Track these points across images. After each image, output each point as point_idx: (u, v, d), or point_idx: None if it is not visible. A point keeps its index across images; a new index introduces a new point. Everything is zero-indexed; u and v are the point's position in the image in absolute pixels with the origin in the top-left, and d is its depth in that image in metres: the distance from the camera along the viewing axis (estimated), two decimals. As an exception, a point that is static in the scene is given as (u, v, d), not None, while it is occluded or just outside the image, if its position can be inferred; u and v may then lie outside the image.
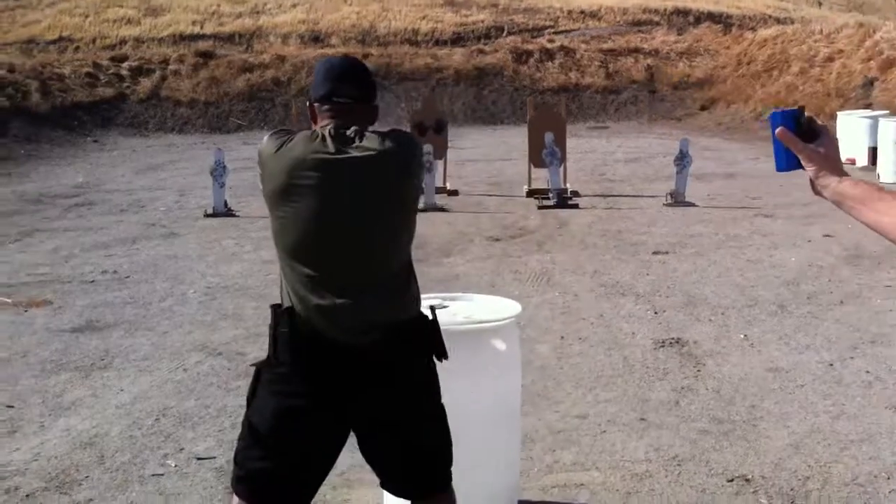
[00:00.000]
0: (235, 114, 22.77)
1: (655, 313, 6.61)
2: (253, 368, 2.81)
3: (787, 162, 1.92)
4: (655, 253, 8.55)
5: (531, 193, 11.76)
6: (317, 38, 25.49)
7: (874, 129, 12.98)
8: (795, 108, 1.95)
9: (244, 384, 5.31)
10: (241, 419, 4.71)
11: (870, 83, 16.97)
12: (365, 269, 2.66)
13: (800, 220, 9.71)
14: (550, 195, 11.16)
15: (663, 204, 10.94)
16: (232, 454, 4.29)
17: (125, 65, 23.21)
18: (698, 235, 9.26)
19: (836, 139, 1.92)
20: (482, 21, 25.80)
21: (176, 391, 5.29)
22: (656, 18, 25.47)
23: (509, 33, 25.25)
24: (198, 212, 11.42)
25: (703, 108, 20.88)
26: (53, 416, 4.94)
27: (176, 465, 4.30)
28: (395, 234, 2.72)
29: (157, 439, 4.61)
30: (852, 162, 13.75)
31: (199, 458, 4.37)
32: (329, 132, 2.64)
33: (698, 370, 5.42)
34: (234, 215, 11.24)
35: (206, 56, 24.00)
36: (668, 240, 9.10)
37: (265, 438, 2.73)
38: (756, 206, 10.72)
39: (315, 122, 2.73)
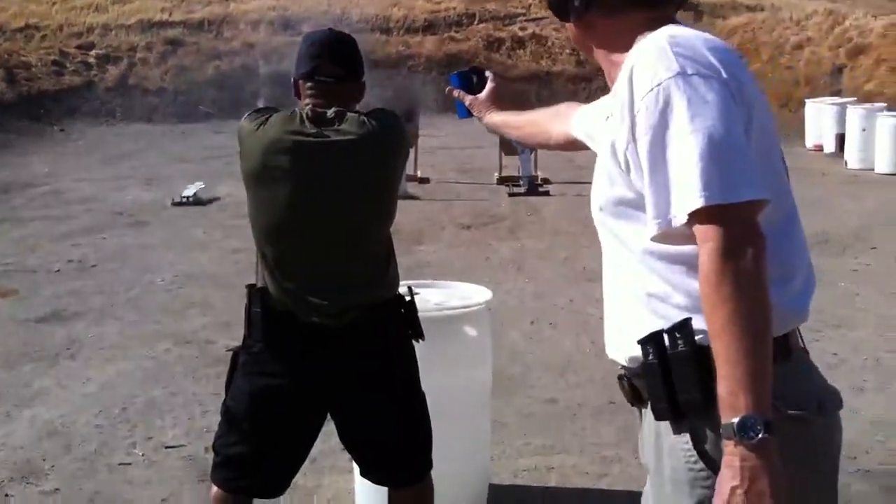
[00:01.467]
0: (205, 102, 22.58)
1: (626, 298, 6.63)
2: (230, 356, 2.79)
3: (462, 111, 2.55)
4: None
5: (502, 181, 11.76)
6: (287, 25, 25.25)
7: (841, 117, 13.10)
8: (468, 68, 2.60)
9: (213, 372, 5.31)
10: (210, 408, 4.74)
11: (838, 70, 17.10)
12: (339, 252, 2.64)
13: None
14: (521, 182, 11.18)
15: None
16: (201, 443, 4.33)
17: (92, 53, 22.92)
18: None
19: (499, 85, 2.50)
20: (454, 8, 25.69)
21: (143, 380, 5.23)
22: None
23: (481, 21, 25.19)
24: (165, 200, 11.31)
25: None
26: (19, 406, 4.87)
27: (143, 454, 4.26)
28: (371, 218, 2.69)
29: (124, 428, 4.56)
30: (819, 148, 13.88)
31: (167, 447, 4.32)
32: (307, 113, 2.61)
33: (668, 354, 5.43)
34: (202, 203, 11.14)
35: (175, 43, 23.76)
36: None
37: (240, 422, 2.72)
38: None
39: (299, 99, 2.68)
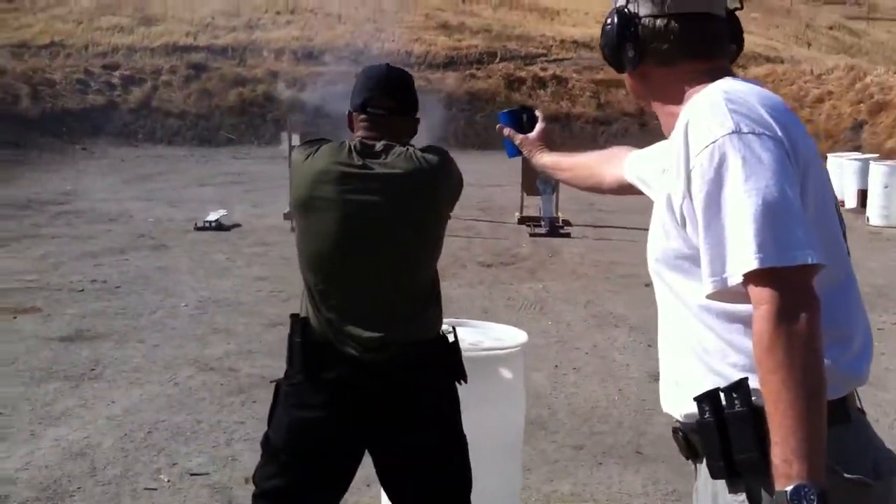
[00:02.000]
0: (226, 127, 22.75)
1: (649, 346, 6.61)
2: (273, 388, 2.79)
3: (512, 150, 2.62)
4: (648, 285, 8.52)
5: (523, 220, 11.78)
6: (310, 55, 25.50)
7: (864, 172, 13.11)
8: (518, 107, 2.68)
9: (238, 401, 5.32)
10: (235, 436, 4.74)
11: (859, 126, 17.15)
12: (380, 286, 2.63)
13: (790, 259, 9.76)
14: (542, 223, 11.19)
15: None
16: (226, 471, 4.32)
17: (117, 73, 23.18)
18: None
19: (549, 126, 2.61)
20: (475, 46, 25.92)
21: (168, 405, 5.23)
22: (647, 51, 25.67)
23: (502, 59, 25.38)
24: (187, 224, 11.37)
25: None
26: (43, 424, 4.88)
27: (169, 480, 4.25)
28: (414, 254, 2.67)
29: (149, 453, 4.55)
30: (841, 203, 13.87)
31: (192, 474, 4.32)
32: (355, 145, 2.63)
33: (693, 405, 5.41)
34: (224, 229, 11.19)
35: (199, 68, 23.99)
36: (660, 273, 9.11)
37: (279, 454, 2.71)
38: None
39: (352, 132, 2.71)
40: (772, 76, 21.96)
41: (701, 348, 1.65)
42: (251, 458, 4.48)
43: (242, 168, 18.00)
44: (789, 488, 1.41)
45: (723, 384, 1.59)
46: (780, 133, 1.56)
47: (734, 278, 1.51)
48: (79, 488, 4.14)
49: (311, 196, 2.63)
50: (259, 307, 7.57)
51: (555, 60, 25.14)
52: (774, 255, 1.47)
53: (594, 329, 7.04)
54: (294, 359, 2.70)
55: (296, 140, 12.75)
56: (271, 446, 2.73)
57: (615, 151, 2.37)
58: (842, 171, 13.93)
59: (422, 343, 2.67)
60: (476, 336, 3.64)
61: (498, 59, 25.35)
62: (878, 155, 14.47)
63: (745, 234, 1.48)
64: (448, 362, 2.74)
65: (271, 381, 2.83)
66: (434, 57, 25.50)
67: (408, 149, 2.64)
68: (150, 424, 4.91)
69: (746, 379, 1.56)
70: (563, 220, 11.56)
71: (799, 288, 1.48)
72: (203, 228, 11.10)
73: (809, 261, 1.48)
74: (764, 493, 1.55)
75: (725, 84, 1.67)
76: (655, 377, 5.74)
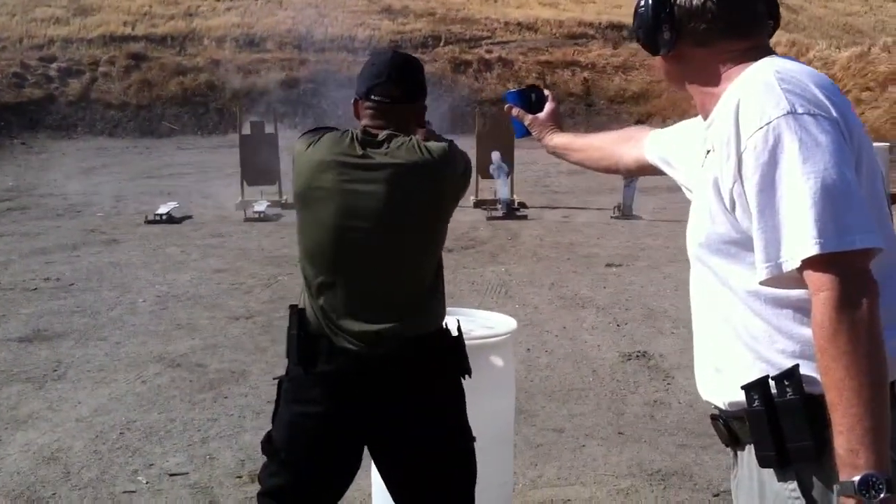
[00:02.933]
0: (168, 118, 22.37)
1: (618, 326, 6.63)
2: (276, 385, 2.72)
3: (520, 130, 2.54)
4: (609, 265, 8.59)
5: (478, 204, 11.75)
6: (252, 42, 25.19)
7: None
8: (525, 87, 2.58)
9: (208, 397, 5.21)
10: (210, 434, 4.64)
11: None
12: (377, 278, 2.56)
13: (746, 235, 9.88)
14: (499, 206, 11.17)
15: (611, 217, 11.03)
16: (206, 470, 4.23)
17: (54, 65, 22.65)
18: (649, 248, 9.35)
19: (558, 106, 2.52)
20: (419, 30, 25.82)
21: (138, 404, 5.10)
22: (591, 32, 25.80)
23: (447, 43, 25.29)
24: (137, 217, 11.14)
25: (638, 122, 21.12)
26: (10, 429, 4.72)
27: (147, 482, 4.13)
28: (414, 246, 2.60)
29: (123, 454, 4.42)
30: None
31: (171, 475, 4.20)
32: (356, 135, 2.56)
33: (668, 384, 5.43)
34: (176, 221, 10.99)
35: (138, 58, 23.54)
36: (620, 252, 9.16)
37: (280, 451, 2.65)
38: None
39: (358, 120, 2.64)
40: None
41: (748, 335, 1.61)
42: (228, 455, 4.40)
43: (188, 158, 17.71)
44: (857, 478, 1.38)
45: (771, 371, 1.56)
46: (835, 114, 1.52)
47: (790, 263, 1.47)
48: (54, 494, 4.00)
49: (311, 186, 2.56)
50: (220, 300, 7.44)
51: (500, 43, 25.13)
52: (835, 240, 1.43)
53: (562, 311, 7.03)
54: (291, 351, 2.64)
55: (246, 129, 12.57)
56: (272, 444, 2.67)
57: (631, 132, 2.32)
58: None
59: (422, 337, 2.60)
60: (465, 324, 3.58)
61: (443, 43, 25.27)
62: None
63: (804, 219, 1.44)
64: (450, 356, 2.68)
65: (274, 378, 2.76)
66: (378, 41, 25.31)
67: (411, 139, 2.57)
68: (122, 425, 4.78)
69: (798, 366, 1.53)
70: (518, 203, 11.55)
71: (859, 273, 1.44)
72: (154, 221, 10.89)
73: (869, 245, 1.45)
74: (816, 481, 1.53)
75: (776, 63, 1.63)
76: (628, 357, 5.76)
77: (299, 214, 2.63)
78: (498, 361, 3.50)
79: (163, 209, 11.08)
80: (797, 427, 1.52)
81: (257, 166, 11.93)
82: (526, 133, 2.52)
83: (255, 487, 4.05)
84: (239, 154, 12.19)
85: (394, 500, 2.74)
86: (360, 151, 2.54)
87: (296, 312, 2.63)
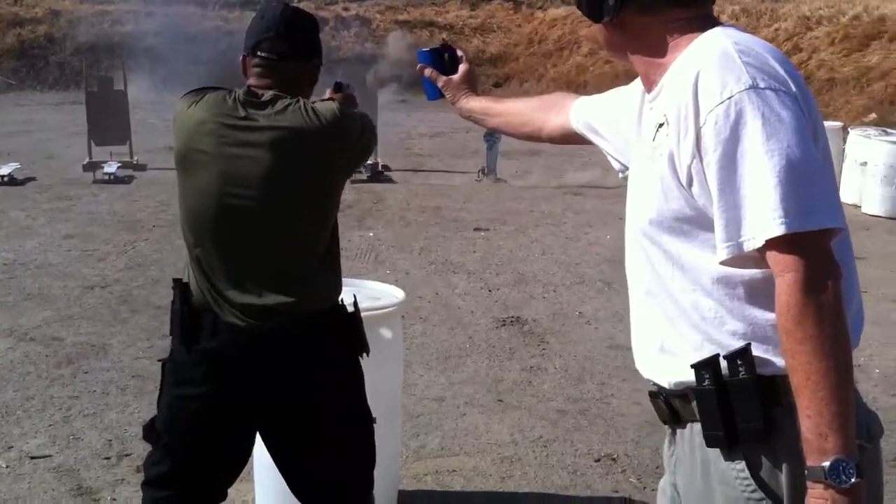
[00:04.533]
0: (5, 72, 21.01)
1: (490, 291, 6.63)
2: (160, 367, 2.55)
3: (433, 92, 2.40)
4: (477, 230, 8.59)
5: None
6: (94, -7, 23.87)
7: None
8: (439, 45, 2.43)
9: (67, 372, 4.91)
10: (72, 412, 4.37)
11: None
12: (262, 250, 2.42)
13: (608, 199, 10.02)
14: (362, 169, 10.98)
15: (475, 180, 11.04)
16: (70, 452, 3.98)
17: None
18: (515, 213, 9.40)
19: (473, 67, 2.40)
20: (273, -15, 25.08)
21: (-11, 382, 4.75)
22: (449, -8, 25.69)
23: (288, 1, 24.68)
24: (-25, 180, 10.40)
25: (496, 86, 21.27)
26: None
27: (8, 466, 3.86)
28: (301, 216, 2.44)
29: (-23, 438, 4.11)
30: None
31: (32, 457, 3.94)
32: (238, 95, 2.40)
33: (543, 349, 5.47)
34: (18, 183, 10.32)
35: (-30, 7, 21.98)
36: (487, 216, 9.18)
37: (162, 437, 2.51)
38: (564, 185, 11.01)
39: (245, 77, 2.47)
40: (571, 17, 22.43)
41: (698, 315, 1.57)
42: (94, 435, 4.16)
43: (28, 115, 16.68)
44: (826, 464, 1.36)
45: (721, 351, 1.53)
46: (794, 88, 1.48)
47: (753, 243, 1.43)
48: None
49: (190, 149, 2.41)
50: (72, 268, 7.03)
51: (356, 0, 24.71)
52: (800, 220, 1.39)
53: (433, 276, 6.98)
54: (174, 328, 2.49)
55: (93, 85, 11.91)
56: (155, 430, 2.53)
57: (555, 98, 2.23)
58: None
59: (314, 313, 2.46)
60: (348, 295, 3.46)
61: (283, 2, 24.63)
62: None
63: (768, 198, 1.40)
64: (346, 334, 2.55)
65: (158, 360, 2.58)
66: (229, -4, 24.47)
67: (299, 101, 2.41)
68: (-27, 405, 4.45)
69: (750, 345, 1.50)
70: (382, 166, 11.39)
71: (824, 254, 1.41)
72: (-6, 183, 10.19)
73: (833, 224, 1.42)
74: (764, 461, 1.52)
75: (732, 34, 1.57)
76: (502, 322, 5.76)
77: (179, 179, 2.46)
78: (387, 334, 3.42)
79: (4, 170, 10.37)
80: (748, 407, 1.50)
81: (106, 125, 11.32)
82: (439, 95, 2.40)
83: (125, 468, 3.90)
84: (86, 112, 11.53)
85: (289, 488, 2.62)
86: (242, 113, 2.37)
87: (178, 286, 2.48)
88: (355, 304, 2.60)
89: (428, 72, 2.37)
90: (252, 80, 2.44)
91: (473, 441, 4.24)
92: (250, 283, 2.39)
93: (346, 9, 23.94)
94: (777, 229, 1.39)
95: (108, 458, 3.95)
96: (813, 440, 1.38)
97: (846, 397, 1.39)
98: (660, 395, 1.69)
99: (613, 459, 4.07)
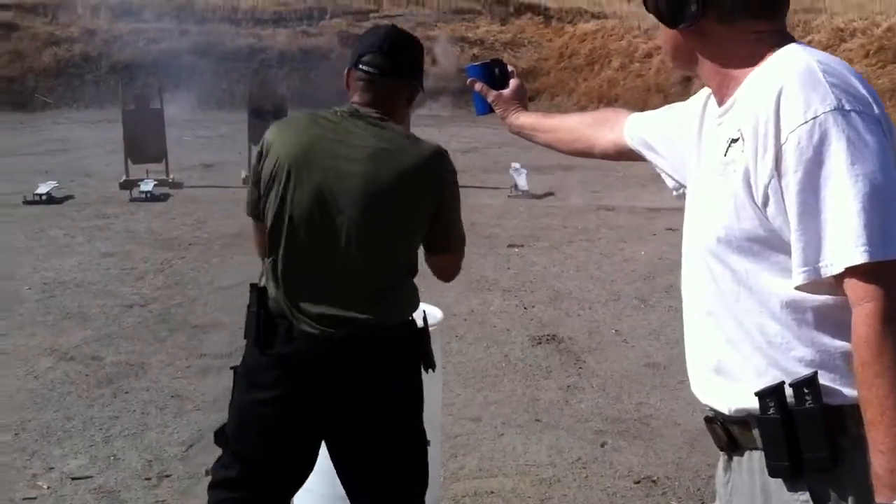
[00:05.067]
0: (41, 91, 21.32)
1: (525, 308, 6.62)
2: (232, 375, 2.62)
3: (482, 107, 2.41)
4: (511, 246, 8.59)
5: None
6: (129, 12, 24.16)
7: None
8: (489, 60, 2.45)
9: (107, 392, 4.95)
10: (112, 433, 4.41)
11: (688, 79, 17.77)
12: (344, 263, 2.42)
13: (642, 214, 10.02)
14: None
15: (508, 196, 11.03)
16: (111, 473, 4.01)
17: (-85, 34, 21.25)
18: (548, 228, 9.38)
19: (523, 83, 2.42)
20: (304, 2, 25.26)
21: (31, 401, 4.81)
22: (478, 7, 25.72)
23: (333, 16, 24.85)
24: (14, 198, 10.54)
25: (530, 99, 21.26)
26: None
27: (49, 487, 3.89)
28: (389, 236, 2.46)
29: (20, 457, 4.16)
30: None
31: (73, 479, 3.97)
32: (344, 111, 2.47)
33: (580, 367, 5.44)
34: (56, 202, 10.46)
35: (8, 28, 22.33)
36: (521, 232, 9.17)
37: (232, 441, 2.57)
38: (598, 200, 10.99)
39: (347, 90, 2.53)
40: (601, 32, 22.50)
41: (763, 339, 1.54)
42: (134, 456, 4.19)
43: (65, 134, 16.89)
44: None
45: (786, 378, 1.50)
46: (876, 111, 1.46)
47: (831, 269, 1.40)
48: (-55, 506, 3.73)
49: (292, 161, 2.43)
50: (111, 287, 7.10)
51: (387, 16, 24.81)
52: (883, 249, 1.36)
53: (468, 293, 6.97)
54: (249, 330, 2.54)
55: (130, 103, 12.03)
56: (226, 434, 2.59)
57: (607, 114, 2.21)
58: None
59: (385, 326, 2.47)
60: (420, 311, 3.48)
61: (329, 16, 24.81)
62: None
63: (850, 224, 1.37)
64: (414, 348, 2.57)
65: (230, 368, 2.64)
66: (261, 13, 24.70)
67: (409, 138, 2.48)
68: (16, 425, 4.49)
69: (817, 374, 1.48)
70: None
71: None
72: (33, 202, 10.32)
73: None
74: (830, 493, 1.49)
75: (813, 52, 1.54)
76: (538, 340, 5.73)
77: (272, 190, 2.47)
78: (426, 356, 3.40)
79: (42, 189, 10.51)
80: (815, 437, 1.47)
81: (142, 143, 11.44)
82: (488, 110, 2.40)
83: (165, 489, 3.92)
84: (122, 130, 11.66)
85: (348, 497, 2.63)
86: (346, 126, 2.44)
87: (255, 290, 2.54)
88: (425, 319, 2.62)
89: (478, 86, 2.38)
90: (354, 96, 2.50)
91: (511, 462, 4.22)
92: (328, 293, 2.43)
93: (377, 26, 24.03)
94: (859, 257, 1.37)
95: (148, 479, 3.98)
96: (884, 476, 1.35)
97: None
98: (716, 421, 1.66)
99: (654, 482, 4.04)
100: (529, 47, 23.45)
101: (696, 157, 1.74)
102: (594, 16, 25.49)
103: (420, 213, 2.47)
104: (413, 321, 2.57)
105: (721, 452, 1.70)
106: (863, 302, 1.38)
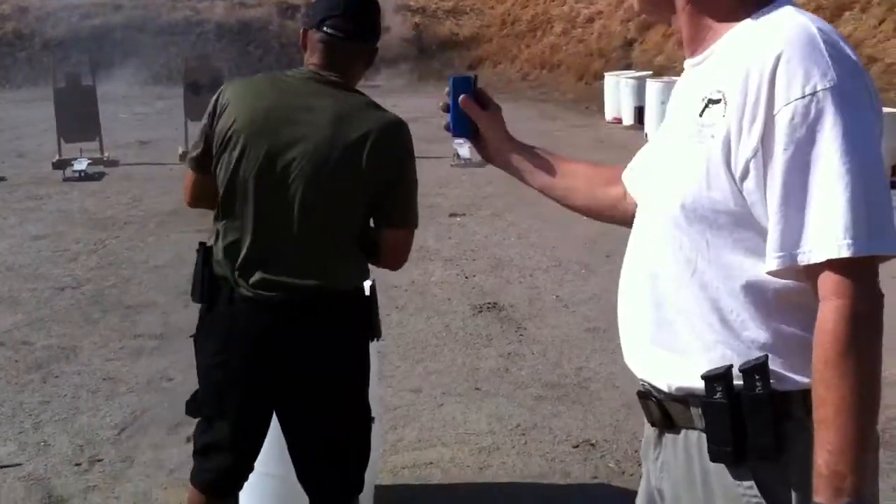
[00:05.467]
0: (-29, 69, 20.76)
1: (466, 278, 6.58)
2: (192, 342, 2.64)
3: (463, 128, 1.94)
4: (453, 215, 8.54)
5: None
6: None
7: (640, 90, 13.61)
8: (469, 74, 2.02)
9: (37, 377, 4.82)
10: (42, 418, 4.30)
11: (629, 44, 17.81)
12: (292, 230, 2.38)
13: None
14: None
15: (451, 165, 10.97)
16: (41, 459, 3.90)
17: None
18: (491, 196, 9.34)
19: (499, 106, 1.99)
20: (242, -27, 24.84)
21: (-43, 390, 4.66)
22: (420, -25, 25.53)
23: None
24: (-56, 181, 10.26)
25: (470, 68, 21.14)
26: None
27: (-26, 478, 3.78)
28: (337, 210, 2.40)
29: (-56, 448, 4.03)
30: (619, 121, 14.41)
31: (2, 466, 3.85)
32: (301, 75, 2.41)
33: (521, 334, 5.42)
34: (-12, 183, 10.19)
35: (-66, 5, 21.69)
36: (463, 201, 9.12)
37: (201, 407, 2.61)
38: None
39: (304, 50, 2.46)
40: (542, -3, 22.41)
41: (716, 316, 1.44)
42: (65, 441, 4.08)
43: (-3, 114, 16.48)
44: None
45: (734, 358, 1.42)
46: (870, 89, 1.37)
47: (809, 258, 1.31)
48: None
49: (243, 125, 2.37)
50: (43, 269, 6.92)
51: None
52: (867, 244, 1.29)
53: (409, 264, 6.80)
54: (195, 288, 2.53)
55: (61, 81, 11.72)
56: (196, 402, 2.62)
57: (604, 173, 1.91)
58: (618, 89, 14.44)
59: (331, 292, 2.43)
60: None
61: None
62: (650, 72, 15.06)
63: (837, 214, 1.29)
64: (360, 316, 2.53)
65: (189, 336, 2.62)
66: (199, -15, 24.23)
67: (368, 104, 2.41)
68: (-60, 414, 4.36)
69: (767, 358, 1.40)
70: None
71: (874, 282, 1.32)
72: (-37, 184, 10.05)
73: (893, 250, 1.32)
74: (775, 481, 1.42)
75: (813, 18, 1.41)
76: (479, 309, 5.70)
77: (224, 152, 2.41)
78: (356, 328, 3.34)
79: (-28, 171, 10.23)
80: (762, 424, 1.40)
81: (75, 121, 11.17)
82: (471, 134, 1.96)
83: (96, 474, 3.83)
84: (54, 108, 11.36)
85: (292, 460, 2.63)
86: (304, 89, 2.38)
87: (202, 249, 2.52)
88: (373, 288, 2.60)
89: (466, 103, 1.92)
90: (313, 59, 2.42)
91: (451, 431, 4.19)
92: (274, 260, 2.39)
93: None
94: (843, 250, 1.28)
95: (78, 465, 3.88)
96: (829, 476, 1.29)
97: (872, 442, 1.32)
98: (651, 397, 1.57)
99: (592, 445, 4.03)
100: (472, 14, 23.31)
101: (669, 111, 1.61)
102: (536, -19, 25.42)
103: (374, 181, 2.39)
104: (361, 289, 2.53)
105: (652, 427, 1.62)
106: (835, 297, 1.31)
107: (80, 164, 10.64)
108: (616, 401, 4.47)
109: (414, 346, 5.25)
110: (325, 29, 2.40)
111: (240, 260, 2.41)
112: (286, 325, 2.40)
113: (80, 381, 4.75)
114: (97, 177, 10.63)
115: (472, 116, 1.93)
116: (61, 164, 10.77)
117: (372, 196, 2.41)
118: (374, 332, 2.58)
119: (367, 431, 2.61)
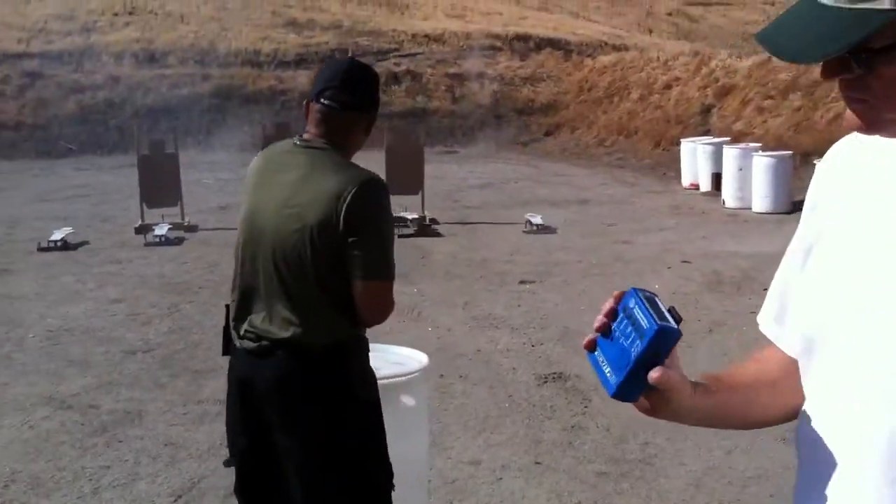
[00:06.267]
0: (66, 137, 21.56)
1: (533, 346, 6.48)
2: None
3: (635, 389, 1.17)
4: (522, 282, 8.46)
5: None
6: (152, 58, 24.48)
7: (717, 156, 13.42)
8: (650, 292, 1.22)
9: (100, 441, 4.86)
10: (102, 483, 4.32)
11: (707, 110, 17.63)
12: (271, 283, 2.54)
13: (656, 246, 9.85)
14: (409, 223, 10.96)
15: (523, 231, 10.92)
16: (96, 526, 3.90)
17: (-58, 84, 21.62)
18: (562, 263, 9.24)
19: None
20: (326, 42, 25.46)
21: (23, 452, 4.73)
22: (499, 44, 25.78)
23: (354, 56, 25.00)
24: (30, 245, 10.58)
25: (547, 134, 21.20)
26: None
27: (31, 543, 3.80)
28: (302, 264, 2.52)
29: (6, 512, 4.08)
30: (696, 187, 14.21)
31: (57, 534, 3.88)
32: (295, 140, 2.61)
33: (585, 406, 5.29)
34: (71, 248, 10.48)
35: (33, 76, 22.67)
36: (534, 268, 9.04)
37: (232, 458, 2.76)
38: (613, 233, 10.84)
39: (306, 121, 2.64)
40: (620, 64, 22.42)
41: None
42: (122, 507, 4.08)
43: (87, 180, 17.03)
44: None
45: None
46: None
47: None
48: (-76, 563, 3.64)
49: (251, 182, 2.65)
50: (116, 333, 7.04)
51: (407, 55, 24.94)
52: None
53: (476, 332, 6.85)
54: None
55: (145, 148, 12.08)
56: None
57: (756, 371, 1.37)
58: (695, 154, 14.26)
59: (297, 342, 2.50)
60: (373, 360, 3.36)
61: (349, 56, 24.97)
62: (728, 138, 14.85)
63: None
64: (333, 368, 2.53)
65: None
66: (284, 55, 24.89)
67: (347, 167, 2.54)
68: (6, 476, 4.41)
69: None
70: (430, 219, 11.34)
71: None
72: (47, 249, 10.34)
73: None
74: None
75: None
76: (545, 379, 5.58)
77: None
78: (409, 401, 3.29)
79: (57, 235, 10.54)
80: None
81: (157, 187, 11.47)
82: (639, 393, 1.17)
83: (151, 542, 3.80)
84: (137, 175, 11.70)
85: None
86: (289, 149, 2.60)
87: (226, 308, 2.72)
88: (357, 342, 2.62)
89: (665, 377, 1.15)
90: (311, 128, 2.59)
91: (509, 508, 4.08)
92: (258, 312, 2.55)
93: (396, 64, 24.16)
94: None
95: (133, 532, 3.88)
96: None
97: None
98: None
99: (655, 526, 3.88)
100: (549, 81, 23.42)
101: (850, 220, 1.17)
102: (615, 48, 25.49)
103: (343, 234, 2.46)
104: (342, 343, 2.55)
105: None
106: None
107: (161, 230, 10.90)
108: (682, 479, 4.30)
109: (475, 417, 5.16)
110: (322, 100, 2.55)
111: (234, 313, 2.61)
112: (263, 372, 2.52)
113: (142, 446, 4.78)
114: (177, 242, 10.86)
115: (647, 370, 1.15)
116: (143, 230, 11.04)
117: (343, 248, 2.47)
118: (356, 389, 2.56)
119: (370, 497, 2.61)
